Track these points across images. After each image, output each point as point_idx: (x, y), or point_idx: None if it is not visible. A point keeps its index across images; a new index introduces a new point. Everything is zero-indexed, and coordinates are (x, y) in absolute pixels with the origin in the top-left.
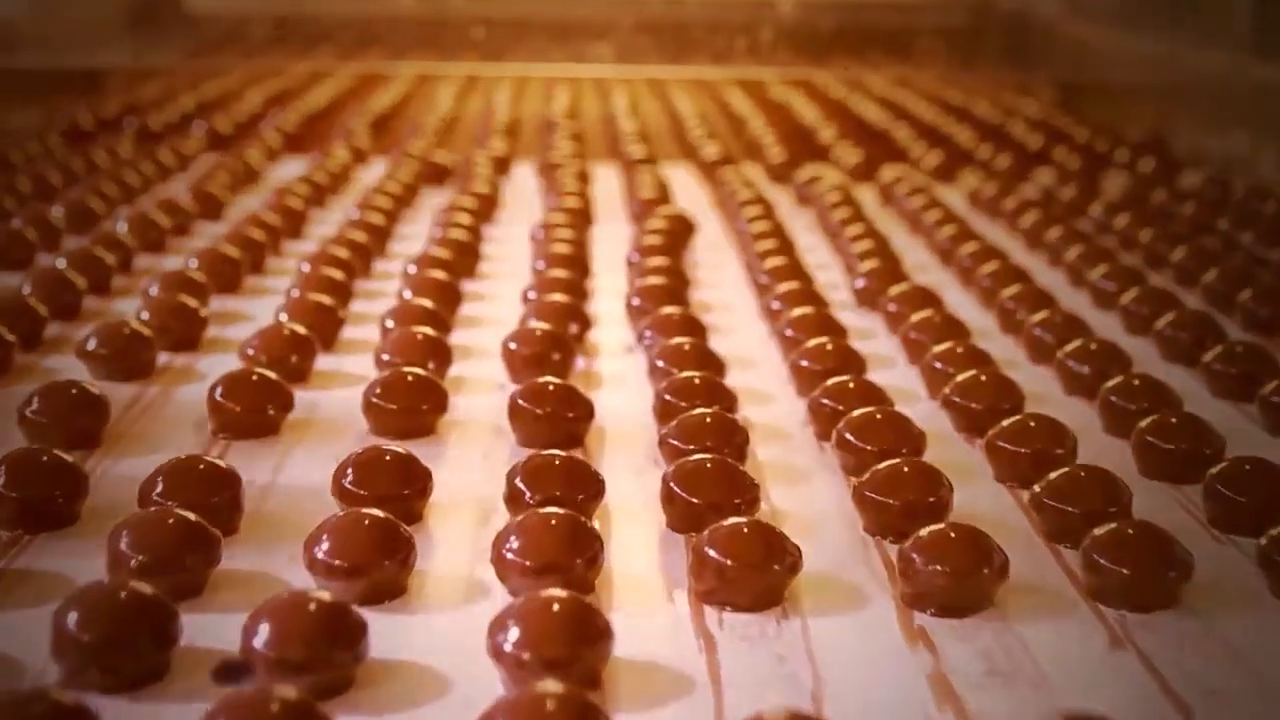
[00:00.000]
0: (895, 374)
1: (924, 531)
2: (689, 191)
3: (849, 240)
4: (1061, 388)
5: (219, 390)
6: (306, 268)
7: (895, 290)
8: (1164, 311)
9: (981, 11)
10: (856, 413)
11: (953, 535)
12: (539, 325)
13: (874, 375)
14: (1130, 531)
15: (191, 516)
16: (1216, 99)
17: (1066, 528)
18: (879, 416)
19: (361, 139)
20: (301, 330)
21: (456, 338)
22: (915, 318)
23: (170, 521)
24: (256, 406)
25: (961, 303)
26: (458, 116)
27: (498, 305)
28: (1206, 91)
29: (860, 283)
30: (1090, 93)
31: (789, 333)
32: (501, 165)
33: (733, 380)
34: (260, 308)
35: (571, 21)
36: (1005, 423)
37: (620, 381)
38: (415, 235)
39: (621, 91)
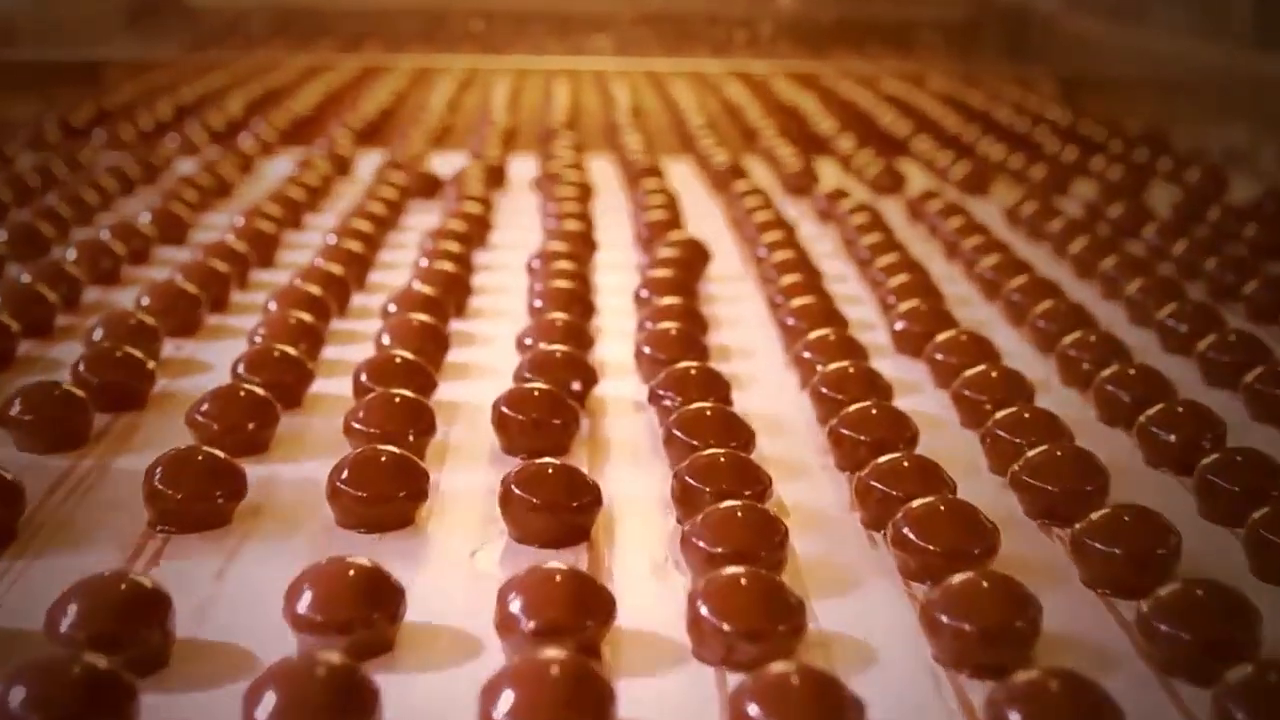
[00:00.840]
0: (948, 439)
1: (1019, 680)
2: (698, 204)
3: (882, 271)
4: (1143, 457)
5: (158, 474)
6: (274, 306)
7: (943, 338)
8: (1251, 362)
9: (981, 5)
10: (916, 504)
11: (1055, 688)
12: (536, 385)
13: (925, 442)
14: (1274, 678)
15: (102, 665)
16: (1216, 92)
17: (1186, 661)
18: (943, 509)
19: (345, 147)
20: (261, 392)
21: (443, 390)
22: (969, 373)
23: (75, 673)
24: (202, 494)
25: (1013, 347)
26: (451, 125)
27: (490, 350)
28: (1206, 85)
29: (900, 324)
30: (1089, 86)
31: (825, 391)
32: (496, 176)
33: (761, 446)
34: (220, 354)
35: (571, 14)
36: (1094, 516)
37: (631, 450)
38: (400, 262)
39: (622, 87)
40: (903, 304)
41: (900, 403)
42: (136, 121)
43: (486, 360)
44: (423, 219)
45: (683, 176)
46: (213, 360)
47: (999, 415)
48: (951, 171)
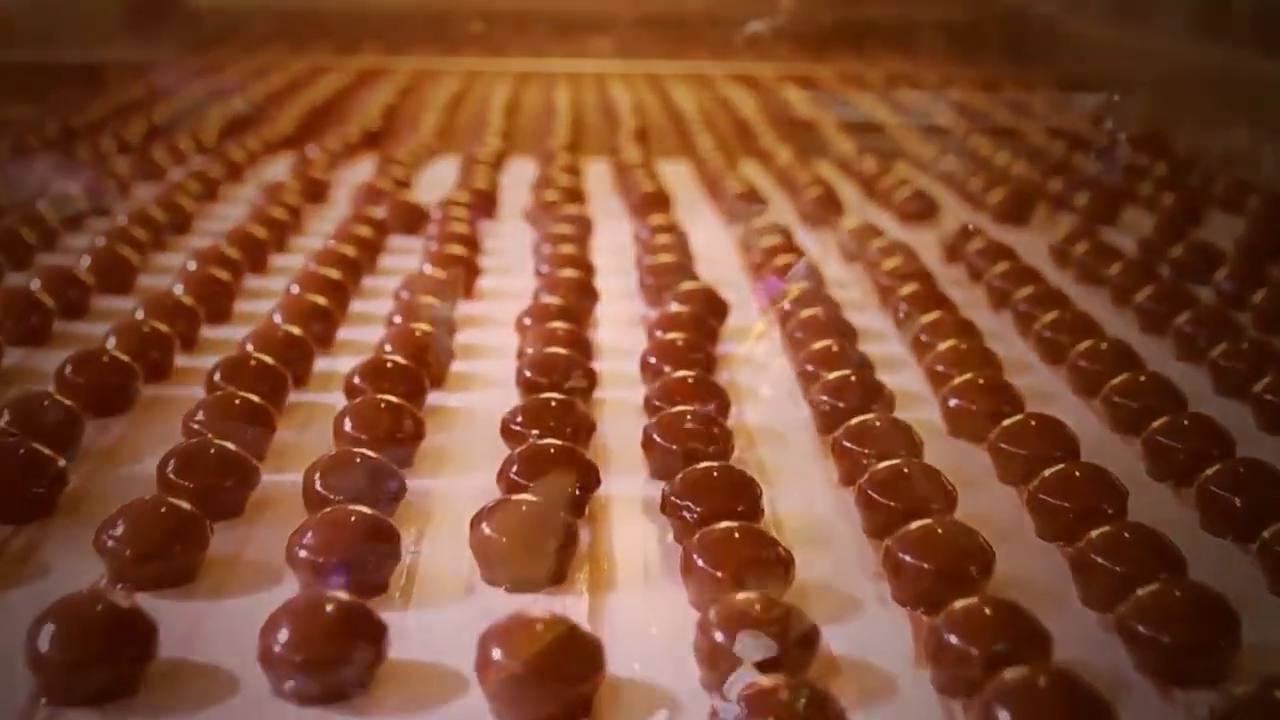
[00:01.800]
0: (1025, 559)
1: None
2: (708, 236)
3: (927, 331)
4: (1268, 584)
5: (43, 635)
6: (219, 378)
7: (1009, 424)
8: None
9: (981, 6)
10: (1009, 676)
11: None
12: (525, 499)
13: (999, 561)
14: None
15: None
16: (1216, 93)
17: None
18: (1042, 684)
19: (321, 169)
20: (187, 508)
21: (414, 490)
22: (1048, 474)
23: None
24: (100, 658)
25: (1088, 429)
26: (446, 132)
27: (474, 434)
28: (1206, 85)
29: (954, 402)
30: (1089, 86)
31: (875, 497)
32: (486, 204)
33: (800, 569)
34: (153, 442)
35: (571, 16)
36: (1237, 692)
37: (641, 574)
38: (374, 315)
39: (625, 96)
40: (956, 377)
41: (962, 505)
42: (98, 143)
43: (469, 446)
44: (403, 260)
45: (687, 188)
46: (143, 450)
47: (1093, 535)
48: (988, 198)
